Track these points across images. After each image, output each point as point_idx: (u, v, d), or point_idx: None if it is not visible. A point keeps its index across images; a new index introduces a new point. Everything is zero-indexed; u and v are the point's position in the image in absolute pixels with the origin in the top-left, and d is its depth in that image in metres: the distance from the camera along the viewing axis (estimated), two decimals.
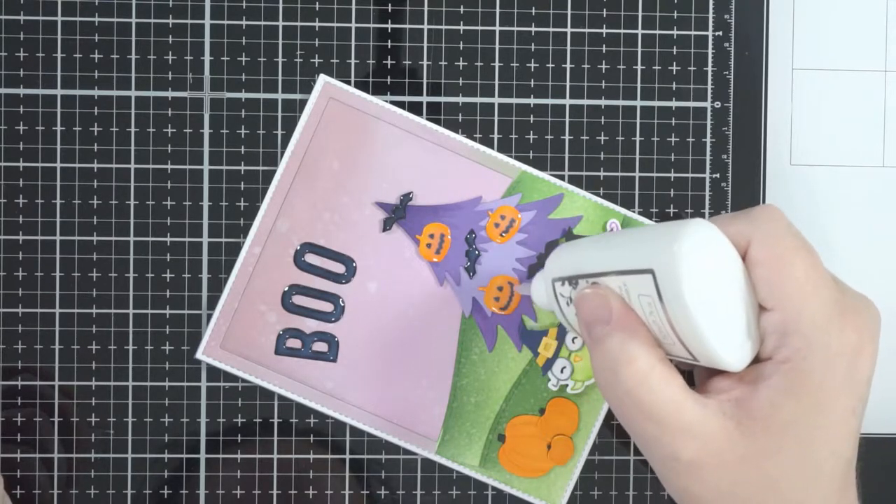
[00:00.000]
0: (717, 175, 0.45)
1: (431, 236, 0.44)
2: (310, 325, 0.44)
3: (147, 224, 0.44)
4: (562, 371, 0.44)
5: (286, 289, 0.44)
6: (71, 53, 0.44)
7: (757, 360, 0.32)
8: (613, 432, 0.45)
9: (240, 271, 0.44)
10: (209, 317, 0.44)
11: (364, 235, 0.44)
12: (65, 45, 0.44)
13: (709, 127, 0.45)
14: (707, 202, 0.45)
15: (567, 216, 0.44)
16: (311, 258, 0.44)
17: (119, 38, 0.44)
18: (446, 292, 0.44)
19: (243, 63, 0.44)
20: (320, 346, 0.44)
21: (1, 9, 0.44)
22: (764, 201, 0.46)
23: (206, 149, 0.44)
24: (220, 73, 0.44)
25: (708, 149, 0.45)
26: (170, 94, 0.44)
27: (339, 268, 0.44)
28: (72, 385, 0.44)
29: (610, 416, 0.45)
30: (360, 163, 0.44)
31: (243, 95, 0.44)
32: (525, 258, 0.44)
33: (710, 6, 0.45)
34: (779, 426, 0.31)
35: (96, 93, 0.44)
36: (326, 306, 0.44)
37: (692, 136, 0.45)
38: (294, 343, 0.44)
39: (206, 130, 0.44)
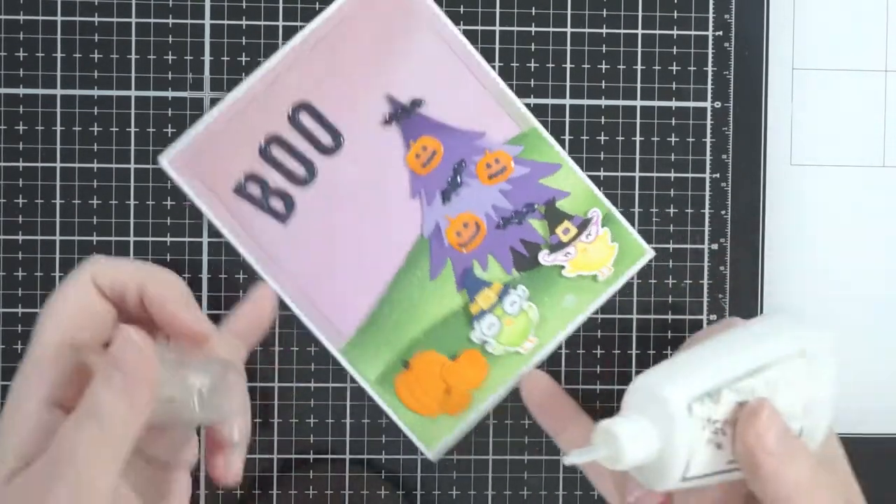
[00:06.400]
0: (717, 175, 0.45)
1: (424, 148, 0.44)
2: (275, 180, 0.44)
3: (147, 224, 0.44)
4: (490, 328, 0.44)
5: (270, 136, 0.43)
6: (71, 53, 0.44)
7: None
8: None
9: (234, 102, 0.43)
10: (209, 316, 0.44)
11: (362, 120, 0.44)
12: (64, 45, 0.44)
13: (709, 127, 0.45)
14: (707, 202, 0.45)
15: (557, 187, 0.44)
16: (305, 118, 0.44)
17: (119, 38, 0.44)
18: (414, 207, 0.44)
19: (243, 63, 0.44)
20: (277, 204, 0.44)
21: (1, 9, 0.44)
22: (764, 201, 0.46)
23: None
24: (220, 73, 0.44)
25: (708, 149, 0.45)
26: (170, 94, 0.44)
27: (326, 139, 0.44)
28: None
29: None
30: (389, 52, 0.44)
31: None
32: (502, 208, 0.44)
33: (710, 6, 0.45)
34: None
35: (96, 93, 0.44)
36: (299, 169, 0.44)
37: (692, 136, 0.45)
38: (254, 190, 0.43)
39: None
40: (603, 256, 0.44)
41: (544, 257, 0.44)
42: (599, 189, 0.45)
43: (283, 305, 0.44)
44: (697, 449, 0.32)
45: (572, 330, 0.45)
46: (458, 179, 0.44)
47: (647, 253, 0.45)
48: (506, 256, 0.44)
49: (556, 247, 0.44)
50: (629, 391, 0.33)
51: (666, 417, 0.32)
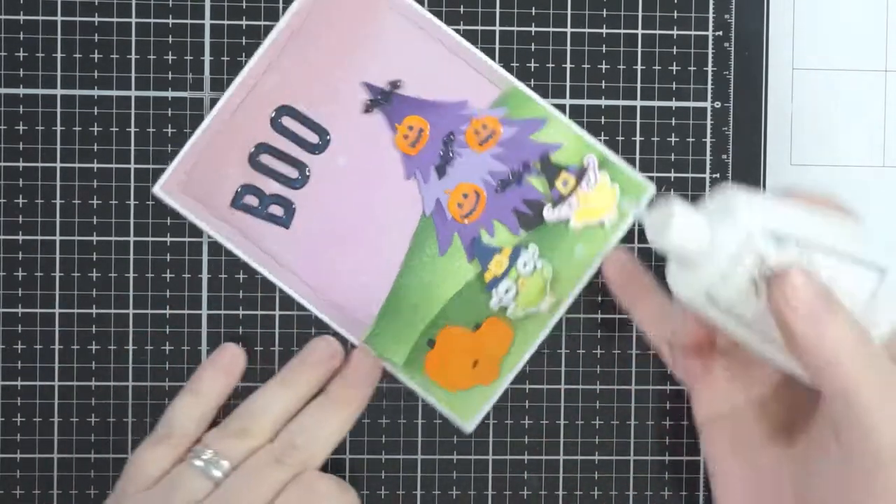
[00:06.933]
0: (717, 175, 0.45)
1: (410, 128, 0.44)
2: (271, 187, 0.44)
3: (147, 224, 0.44)
4: (506, 292, 0.44)
5: (256, 145, 0.44)
6: (71, 53, 0.44)
7: None
8: (613, 432, 0.45)
9: (215, 117, 0.43)
10: (209, 316, 0.44)
11: (345, 112, 0.44)
12: (64, 45, 0.44)
13: (709, 127, 0.45)
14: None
15: (548, 141, 0.44)
16: (287, 121, 0.44)
17: (119, 38, 0.44)
18: (412, 187, 0.44)
19: (243, 63, 0.44)
20: (276, 210, 0.44)
21: (1, 9, 0.44)
22: None
23: None
24: (219, 73, 0.44)
25: (708, 149, 0.45)
26: (170, 94, 0.44)
27: (313, 137, 0.44)
28: (72, 385, 0.44)
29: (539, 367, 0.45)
30: (358, 39, 0.44)
31: None
32: (498, 172, 0.44)
33: (710, 6, 0.45)
34: None
35: (96, 93, 0.44)
36: (292, 172, 0.44)
37: (692, 136, 0.45)
38: (251, 200, 0.44)
39: None
40: (606, 201, 0.44)
41: (548, 213, 0.44)
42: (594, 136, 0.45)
43: (290, 306, 0.44)
44: (736, 277, 0.31)
45: (588, 280, 0.44)
46: (450, 152, 0.44)
47: (649, 188, 0.45)
48: (510, 219, 0.44)
49: (559, 200, 0.44)
50: (709, 195, 0.33)
51: (725, 222, 0.31)
